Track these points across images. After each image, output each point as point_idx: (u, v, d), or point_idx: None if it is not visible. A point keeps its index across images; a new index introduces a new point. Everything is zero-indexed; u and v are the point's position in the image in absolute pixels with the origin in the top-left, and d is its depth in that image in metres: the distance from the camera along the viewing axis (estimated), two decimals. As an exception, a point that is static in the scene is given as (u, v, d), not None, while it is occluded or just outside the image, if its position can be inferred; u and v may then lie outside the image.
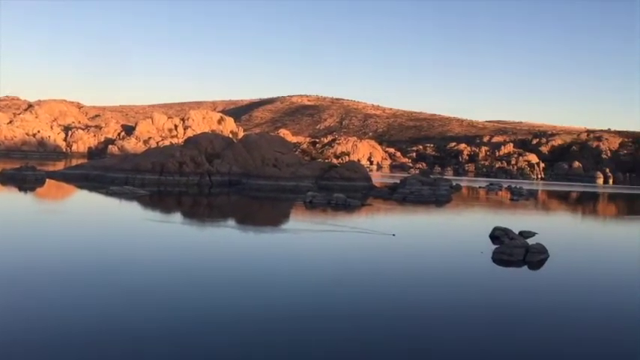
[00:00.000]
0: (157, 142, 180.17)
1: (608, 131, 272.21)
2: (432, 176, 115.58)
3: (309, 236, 42.92)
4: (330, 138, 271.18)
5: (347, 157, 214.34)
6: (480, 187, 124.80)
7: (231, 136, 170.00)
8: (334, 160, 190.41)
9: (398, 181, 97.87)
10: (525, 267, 33.95)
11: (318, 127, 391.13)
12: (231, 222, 53.90)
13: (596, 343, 20.49)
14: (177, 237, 40.88)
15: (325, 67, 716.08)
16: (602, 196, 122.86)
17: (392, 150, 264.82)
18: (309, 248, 38.16)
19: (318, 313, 22.22)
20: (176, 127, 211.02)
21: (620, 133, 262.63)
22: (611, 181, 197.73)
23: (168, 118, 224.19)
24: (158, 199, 70.80)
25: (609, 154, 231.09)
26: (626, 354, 19.64)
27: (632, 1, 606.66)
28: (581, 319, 23.50)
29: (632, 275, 34.13)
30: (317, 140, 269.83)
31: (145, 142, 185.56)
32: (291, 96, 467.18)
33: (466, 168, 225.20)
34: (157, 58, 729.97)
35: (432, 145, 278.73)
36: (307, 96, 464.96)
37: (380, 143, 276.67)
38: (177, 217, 54.94)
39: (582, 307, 25.52)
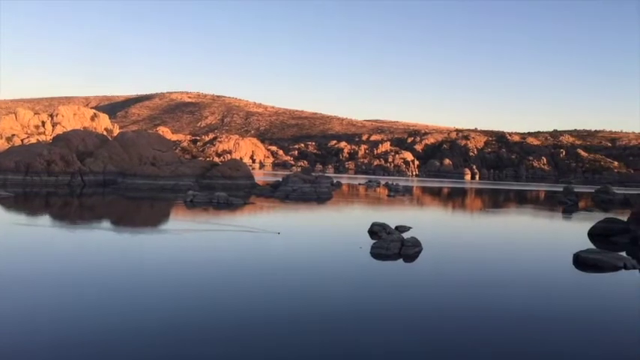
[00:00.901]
0: (22, 140, 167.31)
1: (475, 131, 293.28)
2: (313, 174, 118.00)
3: (190, 236, 41.82)
4: (211, 136, 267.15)
5: (229, 155, 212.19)
6: (359, 184, 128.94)
7: (105, 133, 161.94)
8: (216, 159, 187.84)
9: (280, 179, 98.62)
10: (401, 260, 35.51)
11: (199, 124, 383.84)
12: (105, 223, 51.12)
13: (466, 332, 21.82)
14: (44, 240, 38.02)
15: (206, 64, 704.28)
16: (470, 191, 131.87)
17: (274, 148, 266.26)
18: (190, 248, 37.11)
19: (203, 316, 21.65)
20: (44, 123, 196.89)
21: (485, 133, 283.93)
22: (477, 177, 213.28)
23: (35, 113, 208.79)
24: (23, 200, 65.70)
25: (476, 152, 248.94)
26: (493, 343, 21.08)
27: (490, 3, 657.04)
28: (450, 308, 24.94)
29: (496, 262, 36.84)
30: (198, 138, 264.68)
31: (8, 139, 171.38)
32: (171, 92, 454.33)
33: (346, 165, 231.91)
34: (22, 49, 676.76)
35: (313, 144, 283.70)
36: (187, 93, 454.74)
37: (262, 141, 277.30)
38: (45, 219, 51.19)
39: (452, 296, 27.10)
